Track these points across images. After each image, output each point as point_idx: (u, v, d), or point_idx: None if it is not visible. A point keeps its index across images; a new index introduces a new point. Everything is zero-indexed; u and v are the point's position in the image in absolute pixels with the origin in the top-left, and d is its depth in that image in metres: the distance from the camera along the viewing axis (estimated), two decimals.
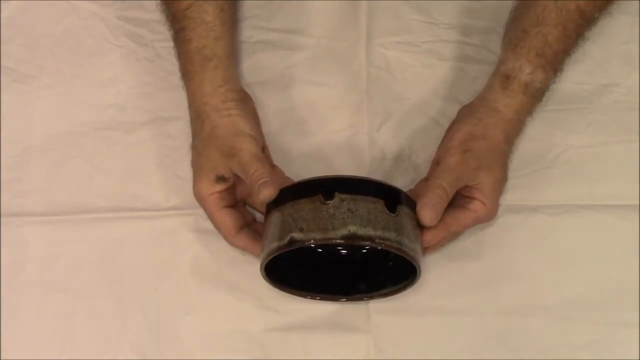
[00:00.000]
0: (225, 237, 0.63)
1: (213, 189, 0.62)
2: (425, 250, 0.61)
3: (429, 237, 0.60)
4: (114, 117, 0.69)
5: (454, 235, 0.63)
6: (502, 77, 0.62)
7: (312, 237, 0.55)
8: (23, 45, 0.71)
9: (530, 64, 0.61)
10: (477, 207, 0.61)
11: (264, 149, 0.67)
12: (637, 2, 0.70)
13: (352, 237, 0.55)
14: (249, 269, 0.66)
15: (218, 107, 0.62)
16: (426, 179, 0.65)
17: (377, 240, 0.55)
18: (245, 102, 0.65)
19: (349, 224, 0.55)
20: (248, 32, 0.71)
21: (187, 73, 0.64)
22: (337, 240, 0.55)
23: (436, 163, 0.65)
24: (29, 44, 0.71)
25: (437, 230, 0.60)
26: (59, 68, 0.70)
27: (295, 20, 0.71)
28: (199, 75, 0.63)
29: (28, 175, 0.68)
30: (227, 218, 0.62)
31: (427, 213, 0.58)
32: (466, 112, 0.64)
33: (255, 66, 0.70)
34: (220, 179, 0.61)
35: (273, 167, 0.66)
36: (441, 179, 0.59)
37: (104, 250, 0.67)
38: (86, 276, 0.66)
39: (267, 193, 0.58)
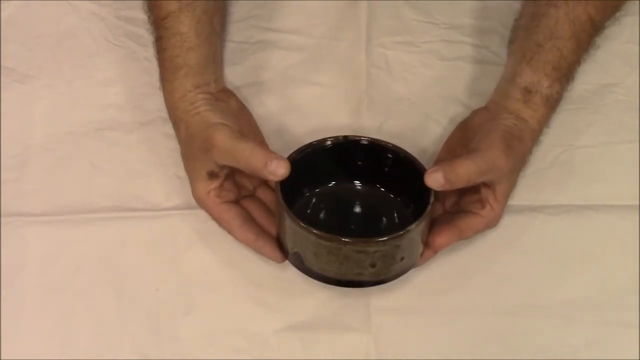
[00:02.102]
0: (229, 232, 0.63)
1: (208, 187, 0.62)
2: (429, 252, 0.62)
3: (444, 240, 0.60)
4: (114, 117, 0.69)
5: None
6: (523, 91, 0.62)
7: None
8: (23, 45, 0.71)
9: (548, 78, 0.61)
10: (487, 212, 0.61)
11: (261, 143, 0.67)
12: (638, 2, 0.70)
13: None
14: (249, 268, 0.66)
15: (187, 109, 0.62)
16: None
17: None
18: (222, 99, 0.65)
19: None
20: (248, 32, 0.71)
21: (161, 81, 0.64)
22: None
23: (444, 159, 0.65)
24: (29, 44, 0.71)
25: (451, 236, 0.61)
26: (59, 68, 0.70)
27: (295, 20, 0.71)
28: (170, 82, 0.63)
29: (28, 175, 0.68)
30: (226, 213, 0.62)
31: (431, 178, 0.57)
32: (485, 117, 0.64)
33: (255, 66, 0.70)
34: (212, 174, 0.62)
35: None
36: (473, 162, 0.58)
37: (104, 250, 0.67)
38: (86, 276, 0.66)
39: (282, 171, 0.57)
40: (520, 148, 0.61)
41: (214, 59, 0.65)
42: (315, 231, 0.56)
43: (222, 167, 0.62)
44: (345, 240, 0.56)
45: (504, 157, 0.59)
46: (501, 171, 0.60)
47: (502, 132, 0.60)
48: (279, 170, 0.57)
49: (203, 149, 0.61)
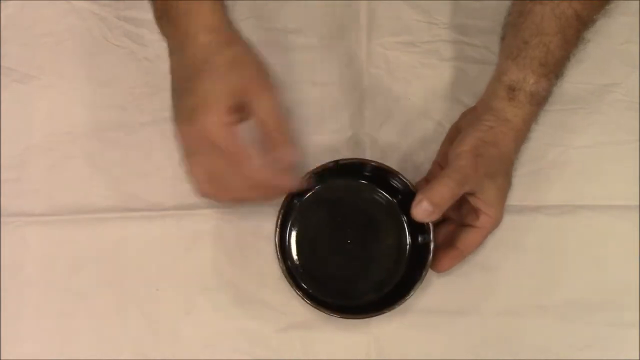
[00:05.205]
0: (244, 167, 0.56)
1: (227, 119, 0.55)
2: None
3: (446, 265, 0.62)
4: (114, 117, 0.69)
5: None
6: (507, 89, 0.61)
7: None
8: (23, 45, 0.71)
9: (534, 74, 0.61)
10: (484, 222, 0.61)
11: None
12: (637, 2, 0.70)
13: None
14: (249, 268, 0.66)
15: (230, 39, 0.58)
16: (426, 180, 0.66)
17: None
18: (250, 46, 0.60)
19: None
20: (248, 32, 0.70)
21: (176, 11, 0.58)
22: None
23: (439, 165, 0.65)
24: (29, 44, 0.71)
25: (453, 259, 0.62)
26: (59, 68, 0.70)
27: (295, 20, 0.71)
28: (197, 5, 0.57)
29: (28, 175, 0.68)
30: (244, 147, 0.56)
31: (419, 211, 0.58)
32: (471, 118, 0.64)
33: None
34: (238, 109, 0.56)
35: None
36: (448, 177, 0.59)
37: (104, 250, 0.67)
38: (86, 276, 0.66)
39: (289, 185, 0.58)
40: (495, 153, 0.61)
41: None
42: (308, 301, 0.60)
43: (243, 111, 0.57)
44: (340, 315, 0.61)
45: (471, 166, 0.59)
46: (473, 180, 0.60)
47: (474, 141, 0.60)
48: (287, 156, 0.57)
49: (241, 84, 0.56)
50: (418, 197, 0.59)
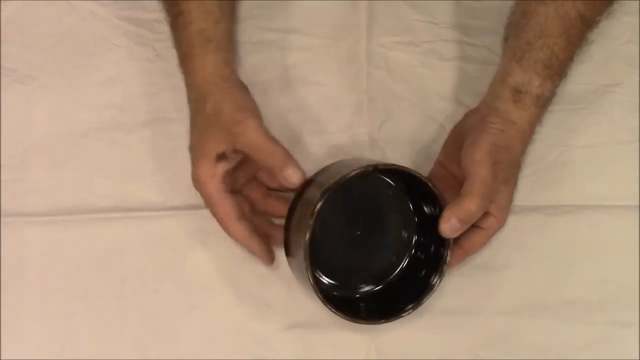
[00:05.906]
0: (225, 225, 0.61)
1: (215, 170, 0.60)
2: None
3: (451, 264, 0.61)
4: (114, 117, 0.69)
5: None
6: (512, 91, 0.61)
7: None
8: (23, 45, 0.71)
9: (539, 76, 0.61)
10: (491, 223, 0.61)
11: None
12: (638, 2, 0.70)
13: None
14: (249, 268, 0.66)
15: (221, 85, 0.62)
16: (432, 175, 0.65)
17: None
18: (246, 89, 0.64)
19: None
20: (248, 32, 0.71)
21: (186, 57, 0.63)
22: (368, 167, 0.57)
23: (441, 165, 0.65)
24: (29, 44, 0.71)
25: (458, 259, 0.62)
26: (59, 68, 0.70)
27: (295, 20, 0.71)
28: (200, 57, 0.62)
29: (28, 175, 0.68)
30: (229, 204, 0.60)
31: (447, 227, 0.58)
32: (475, 119, 0.63)
33: (256, 66, 0.70)
34: (221, 157, 0.60)
35: None
36: (475, 194, 0.58)
37: (104, 251, 0.67)
38: (86, 276, 0.66)
39: (295, 179, 0.58)
40: (508, 157, 0.60)
41: (233, 38, 0.65)
42: (331, 308, 0.58)
43: (236, 152, 0.60)
44: (358, 319, 0.60)
45: (492, 176, 0.58)
46: (495, 190, 0.59)
47: (487, 146, 0.59)
48: (293, 177, 0.58)
49: (225, 128, 0.59)
50: (447, 214, 0.57)
